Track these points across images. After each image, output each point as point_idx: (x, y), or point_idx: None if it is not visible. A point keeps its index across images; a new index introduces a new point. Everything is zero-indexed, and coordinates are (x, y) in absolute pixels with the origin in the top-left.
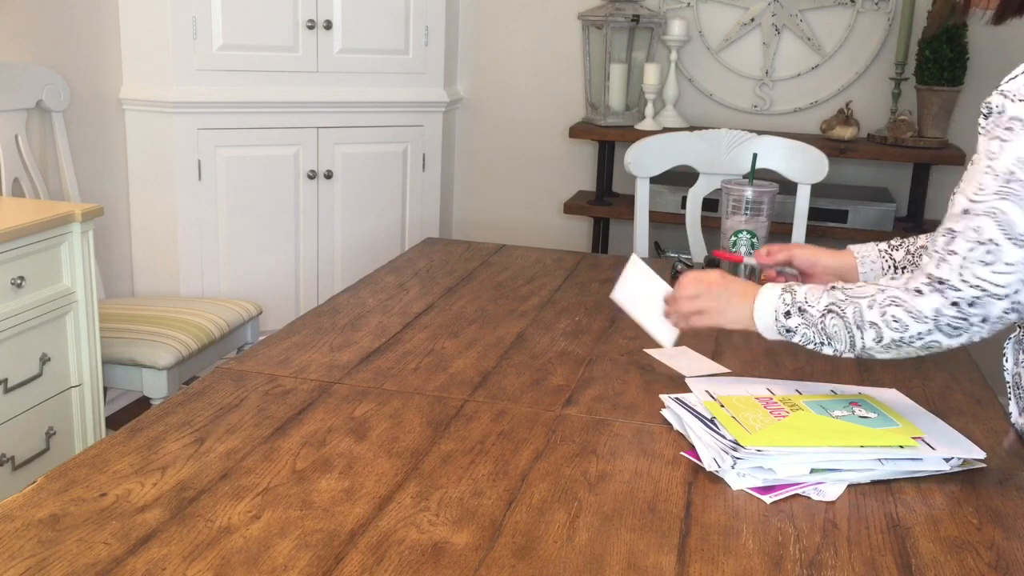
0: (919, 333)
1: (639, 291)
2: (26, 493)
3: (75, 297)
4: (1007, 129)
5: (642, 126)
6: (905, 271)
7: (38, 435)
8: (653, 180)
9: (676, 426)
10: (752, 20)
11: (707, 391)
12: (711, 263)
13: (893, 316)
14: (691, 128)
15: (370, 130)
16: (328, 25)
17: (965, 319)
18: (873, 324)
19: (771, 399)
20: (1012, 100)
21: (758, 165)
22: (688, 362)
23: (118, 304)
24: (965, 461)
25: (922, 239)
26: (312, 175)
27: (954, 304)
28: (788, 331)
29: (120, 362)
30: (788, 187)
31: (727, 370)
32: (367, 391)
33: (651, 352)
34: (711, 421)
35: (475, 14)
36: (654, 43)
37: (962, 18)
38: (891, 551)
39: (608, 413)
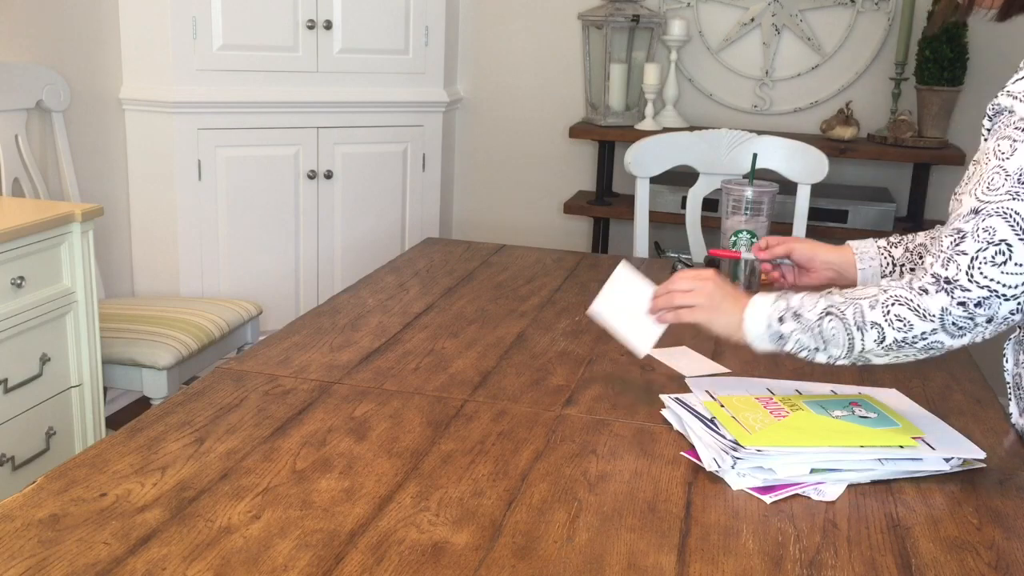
0: (923, 333)
1: (623, 297)
2: (26, 493)
3: (75, 297)
4: (1018, 129)
5: (642, 126)
6: (903, 268)
7: (38, 435)
8: (653, 180)
9: (676, 426)
10: (752, 20)
11: (707, 391)
12: (711, 263)
13: (897, 315)
14: (691, 128)
15: (370, 130)
16: (328, 25)
17: (971, 319)
18: (875, 324)
19: (771, 399)
20: (1021, 101)
21: (758, 165)
22: (688, 362)
23: (118, 304)
24: (965, 461)
25: (920, 237)
26: (312, 175)
27: (961, 304)
28: (781, 338)
29: (120, 362)
30: (788, 187)
31: (727, 370)
32: (367, 391)
33: (651, 352)
34: (711, 421)
35: (475, 14)
36: (654, 43)
37: (965, 17)
38: (891, 551)
39: (608, 413)
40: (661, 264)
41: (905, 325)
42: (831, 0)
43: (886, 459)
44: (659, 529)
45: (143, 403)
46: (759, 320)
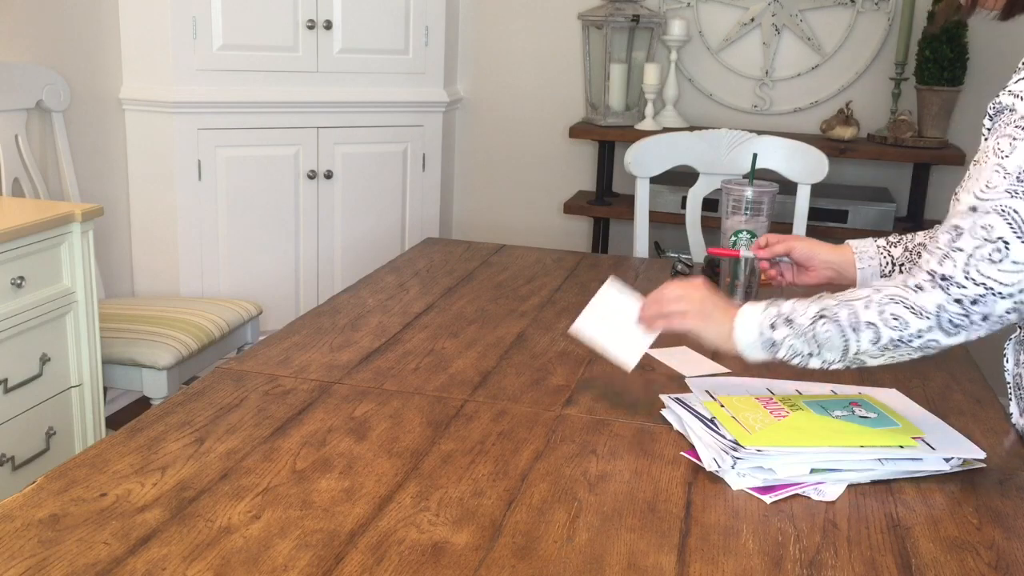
0: (919, 331)
1: (608, 312)
2: (26, 493)
3: (75, 297)
4: (1019, 128)
5: (642, 126)
6: (903, 268)
7: (38, 435)
8: (653, 180)
9: (676, 426)
10: (752, 20)
11: (707, 391)
12: (710, 262)
13: (893, 314)
14: (691, 128)
15: (370, 130)
16: (328, 25)
17: (967, 316)
18: (870, 324)
19: (771, 399)
20: (1022, 99)
21: (758, 165)
22: (688, 362)
23: (118, 304)
24: (965, 461)
25: (920, 236)
26: (312, 175)
27: (957, 301)
28: (773, 345)
29: (120, 362)
30: (788, 187)
31: (727, 370)
32: (367, 391)
33: (651, 352)
34: (711, 421)
35: (475, 14)
36: (654, 43)
37: (967, 16)
38: (891, 551)
39: (608, 413)
40: (661, 264)
41: (901, 323)
42: (831, 0)
43: (886, 459)
44: (659, 529)
45: (143, 403)
46: (750, 328)
